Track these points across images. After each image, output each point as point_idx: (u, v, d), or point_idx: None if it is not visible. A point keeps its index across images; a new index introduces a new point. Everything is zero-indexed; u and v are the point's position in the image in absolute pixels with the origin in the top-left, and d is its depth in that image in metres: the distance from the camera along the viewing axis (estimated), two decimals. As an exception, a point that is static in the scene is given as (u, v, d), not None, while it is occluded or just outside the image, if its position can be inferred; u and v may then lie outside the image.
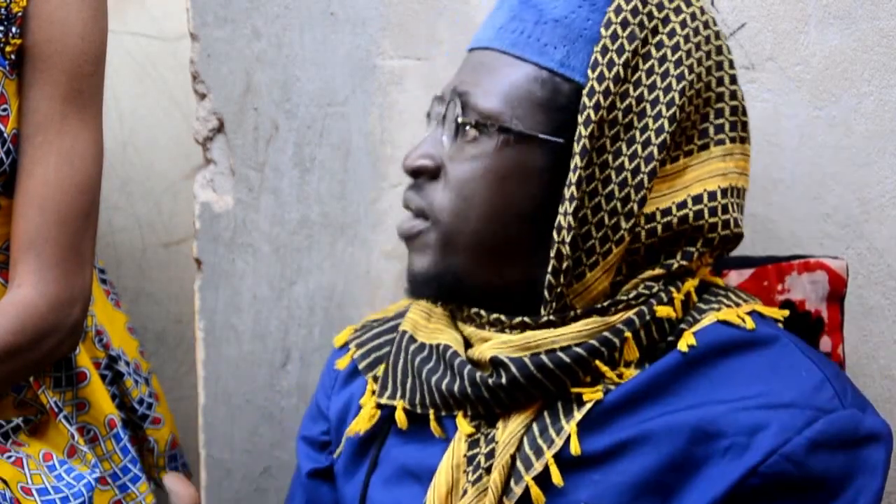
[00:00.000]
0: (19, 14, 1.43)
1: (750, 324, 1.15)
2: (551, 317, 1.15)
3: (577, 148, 1.12)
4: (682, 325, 1.16)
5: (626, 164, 1.13)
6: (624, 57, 1.13)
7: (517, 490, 1.13)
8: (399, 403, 1.24)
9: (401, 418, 1.23)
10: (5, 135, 1.43)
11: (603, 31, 1.13)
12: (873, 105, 1.36)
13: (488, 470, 1.15)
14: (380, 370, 1.29)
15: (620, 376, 1.14)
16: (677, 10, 1.16)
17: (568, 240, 1.12)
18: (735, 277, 1.28)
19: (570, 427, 1.13)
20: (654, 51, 1.14)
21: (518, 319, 1.16)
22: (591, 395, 1.13)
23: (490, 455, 1.16)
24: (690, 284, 1.17)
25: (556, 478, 1.12)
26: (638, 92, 1.13)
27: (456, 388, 1.17)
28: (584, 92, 1.12)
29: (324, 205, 1.66)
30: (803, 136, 1.40)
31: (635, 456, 1.11)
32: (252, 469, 1.73)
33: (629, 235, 1.14)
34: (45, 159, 1.45)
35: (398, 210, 1.26)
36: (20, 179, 1.45)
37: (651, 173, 1.13)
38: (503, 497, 1.14)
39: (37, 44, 1.44)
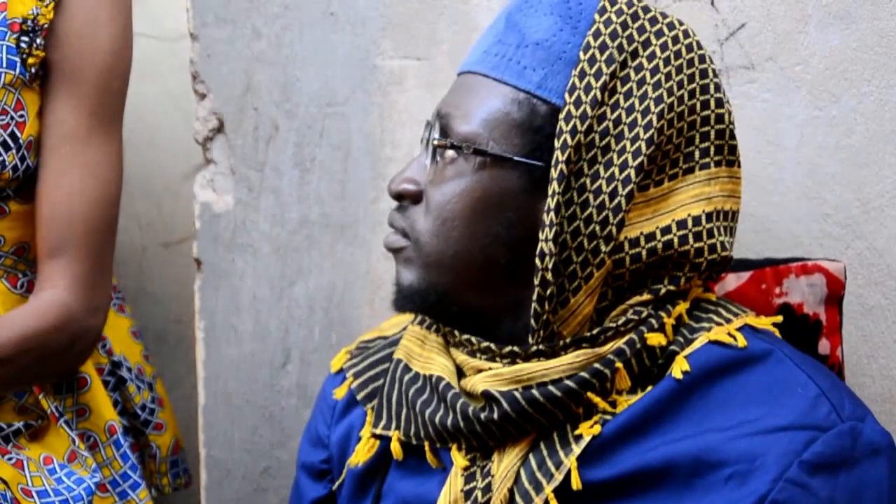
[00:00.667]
0: (45, 26, 1.44)
1: (742, 341, 1.14)
2: (540, 346, 1.15)
3: (554, 173, 1.11)
4: (674, 347, 1.15)
5: (604, 187, 1.12)
6: (601, 80, 1.12)
7: None
8: (394, 434, 1.24)
9: (396, 449, 1.24)
10: (21, 140, 1.44)
11: (581, 54, 1.13)
12: (873, 105, 1.35)
13: None
14: (377, 401, 1.29)
15: (614, 404, 1.14)
16: (658, 34, 1.15)
17: (550, 266, 1.12)
18: (733, 280, 1.28)
19: (569, 461, 1.12)
20: (632, 74, 1.13)
21: (508, 349, 1.16)
22: (589, 430, 1.13)
23: (487, 489, 1.15)
24: (681, 308, 1.17)
25: None
26: (615, 115, 1.13)
27: (449, 422, 1.17)
28: (561, 116, 1.12)
29: (324, 205, 1.66)
30: (803, 136, 1.39)
31: (636, 490, 1.11)
32: (252, 469, 1.73)
33: (609, 259, 1.13)
34: (72, 171, 1.47)
35: (397, 210, 1.26)
36: (46, 189, 1.47)
37: (629, 196, 1.12)
38: None
39: (66, 58, 1.46)
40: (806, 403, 1.10)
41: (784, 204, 1.41)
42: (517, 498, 1.13)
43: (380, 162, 1.64)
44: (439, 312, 1.21)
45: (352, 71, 1.63)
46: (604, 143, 1.12)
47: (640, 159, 1.12)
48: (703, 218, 1.15)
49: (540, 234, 1.12)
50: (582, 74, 1.12)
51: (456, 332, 1.21)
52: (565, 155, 1.11)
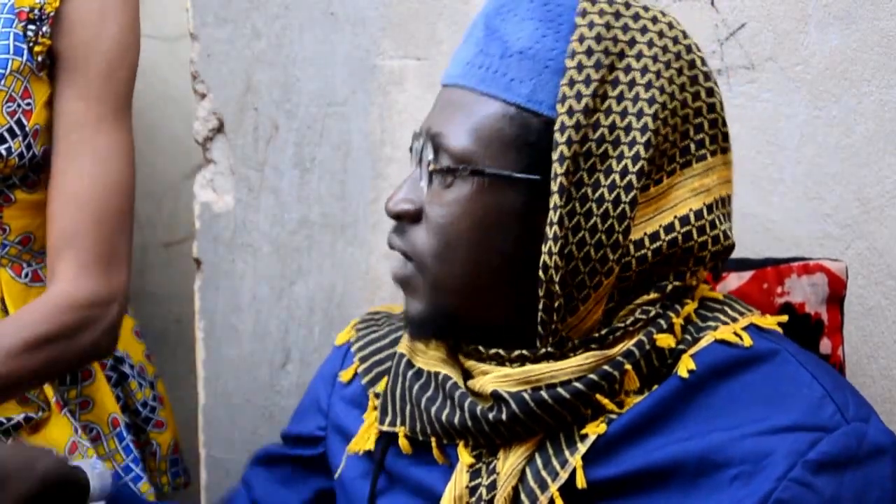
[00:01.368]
0: (51, 14, 1.44)
1: (747, 340, 1.14)
2: (549, 349, 1.14)
3: (554, 186, 1.10)
4: (681, 346, 1.14)
5: (606, 195, 1.11)
6: (591, 87, 1.10)
7: None
8: (400, 430, 1.24)
9: (404, 445, 1.23)
10: (27, 128, 1.45)
11: (568, 61, 1.11)
12: (873, 105, 1.35)
13: (490, 501, 1.15)
14: (380, 386, 1.29)
15: (621, 404, 1.14)
16: (643, 30, 1.13)
17: (557, 278, 1.11)
18: (735, 280, 1.28)
19: (574, 460, 1.12)
20: (621, 76, 1.12)
21: (517, 353, 1.16)
22: (595, 429, 1.13)
23: (492, 486, 1.15)
24: (690, 308, 1.16)
25: None
26: (609, 120, 1.11)
27: (456, 420, 1.17)
28: (555, 128, 1.10)
29: (324, 205, 1.66)
30: (803, 136, 1.39)
31: (642, 490, 1.11)
32: (252, 469, 1.73)
33: (617, 266, 1.13)
34: (81, 159, 1.47)
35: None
36: (55, 178, 1.47)
37: (632, 202, 1.11)
38: None
39: (73, 46, 1.46)
40: (811, 404, 1.10)
41: (784, 204, 1.41)
42: (522, 496, 1.14)
43: (380, 162, 1.64)
44: (453, 333, 1.20)
45: (352, 71, 1.63)
46: (601, 150, 1.11)
47: (640, 164, 1.11)
48: (705, 210, 1.15)
49: (543, 248, 1.11)
50: (571, 83, 1.11)
51: (462, 343, 1.21)
52: (563, 167, 1.10)
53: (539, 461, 1.14)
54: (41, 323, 1.43)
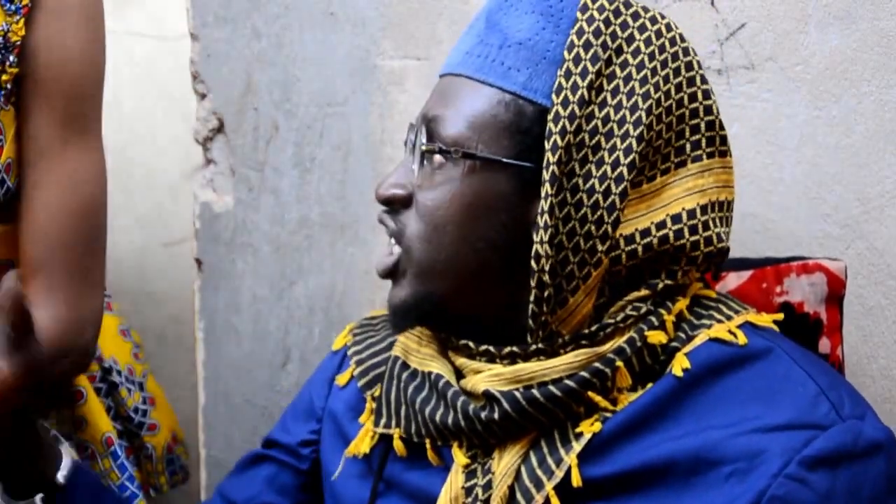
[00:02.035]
0: (17, 43, 1.42)
1: (742, 338, 1.14)
2: (540, 345, 1.15)
3: (546, 175, 1.11)
4: (675, 344, 1.15)
5: (597, 186, 1.12)
6: (587, 79, 1.12)
7: None
8: (395, 432, 1.24)
9: (399, 447, 1.24)
10: None
11: (566, 53, 1.12)
12: (873, 105, 1.36)
13: (487, 501, 1.15)
14: (377, 390, 1.29)
15: (614, 402, 1.14)
16: (642, 28, 1.15)
17: (547, 268, 1.11)
18: (734, 279, 1.28)
19: (569, 459, 1.12)
20: (618, 70, 1.13)
21: (507, 350, 1.16)
22: (590, 427, 1.13)
23: (487, 486, 1.16)
24: (681, 304, 1.16)
25: None
26: (603, 113, 1.12)
27: (450, 420, 1.17)
28: (550, 117, 1.11)
29: (324, 205, 1.66)
30: (803, 136, 1.40)
31: (637, 488, 1.11)
32: (252, 469, 1.73)
33: (606, 258, 1.13)
34: (48, 185, 1.45)
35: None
36: (25, 205, 1.46)
37: (622, 194, 1.12)
38: None
39: (36, 70, 1.43)
40: (805, 402, 1.10)
41: (784, 204, 1.41)
42: (518, 495, 1.14)
43: (380, 162, 1.64)
44: (437, 321, 1.20)
45: (352, 71, 1.63)
46: (594, 142, 1.12)
47: (631, 157, 1.12)
48: (698, 211, 1.15)
49: (534, 237, 1.12)
50: (567, 74, 1.12)
51: (453, 338, 1.21)
52: (556, 156, 1.11)
53: (534, 460, 1.14)
54: None
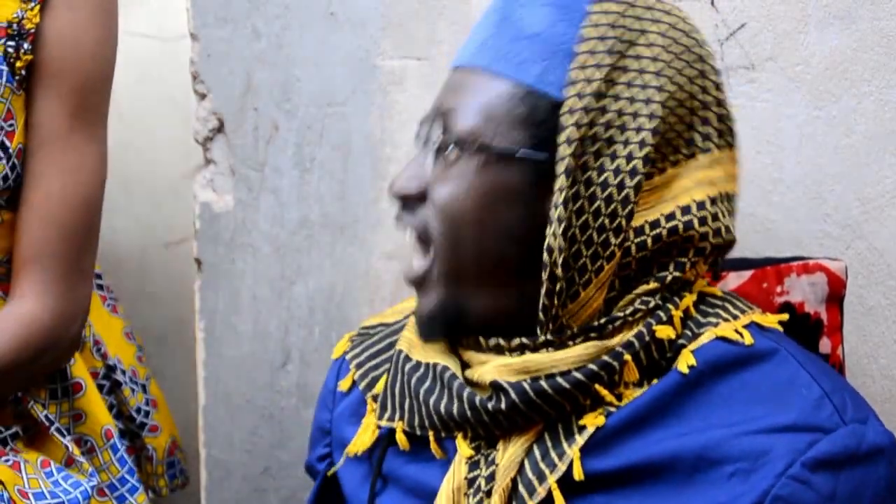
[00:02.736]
0: (32, 30, 1.43)
1: (748, 338, 1.14)
2: (549, 337, 1.15)
3: (560, 168, 1.11)
4: (681, 341, 1.15)
5: (611, 179, 1.12)
6: (602, 72, 1.12)
7: None
8: (398, 425, 1.24)
9: (402, 440, 1.24)
10: (10, 150, 1.43)
11: (579, 46, 1.12)
12: (873, 105, 1.36)
13: (489, 493, 1.15)
14: (378, 387, 1.29)
15: (620, 397, 1.14)
16: (655, 21, 1.15)
17: (560, 261, 1.11)
18: (734, 279, 1.28)
19: (572, 451, 1.12)
20: (632, 63, 1.13)
21: (517, 342, 1.16)
22: (594, 420, 1.13)
23: (490, 478, 1.15)
24: (689, 300, 1.16)
25: (560, 502, 1.12)
26: (618, 106, 1.12)
27: (455, 410, 1.17)
28: (564, 110, 1.11)
29: (324, 205, 1.66)
30: (803, 136, 1.40)
31: (640, 483, 1.11)
32: (252, 469, 1.73)
33: (619, 251, 1.13)
34: (50, 174, 1.45)
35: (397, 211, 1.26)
36: (24, 193, 1.46)
37: (636, 187, 1.12)
38: None
39: (47, 60, 1.44)
40: (809, 404, 1.10)
41: (784, 204, 1.42)
42: (520, 487, 1.14)
43: (380, 162, 1.64)
44: (460, 327, 1.20)
45: (352, 71, 1.63)
46: (608, 135, 1.12)
47: (645, 150, 1.12)
48: (707, 202, 1.15)
49: (547, 229, 1.12)
50: (581, 67, 1.12)
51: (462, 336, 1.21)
52: (570, 149, 1.11)
53: (538, 453, 1.14)
54: (6, 347, 1.41)
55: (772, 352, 1.14)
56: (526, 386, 1.13)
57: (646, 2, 1.16)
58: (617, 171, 1.12)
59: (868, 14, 1.34)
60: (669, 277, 1.15)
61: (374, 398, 1.29)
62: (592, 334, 1.14)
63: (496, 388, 1.15)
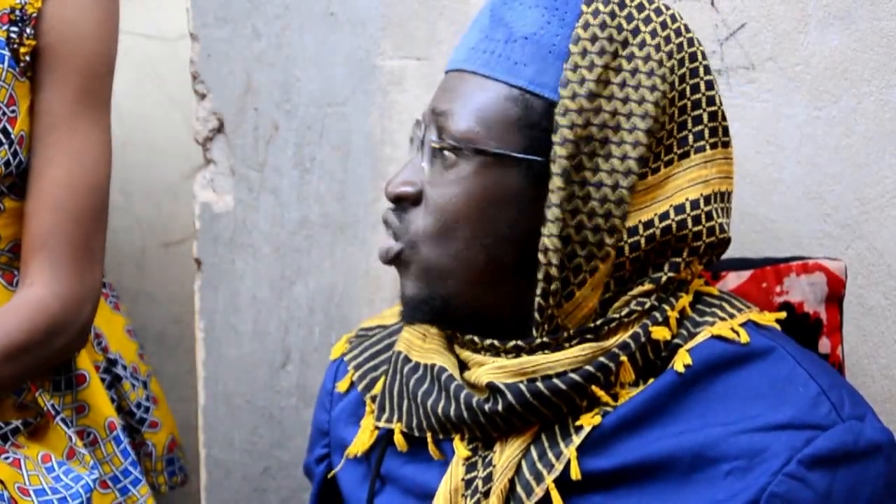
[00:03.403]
0: (34, 15, 1.43)
1: (744, 337, 1.14)
2: (544, 338, 1.15)
3: (554, 168, 1.11)
4: (677, 341, 1.15)
5: (605, 179, 1.12)
6: (595, 72, 1.12)
7: None
8: (397, 426, 1.24)
9: (399, 441, 1.24)
10: (12, 136, 1.43)
11: (572, 46, 1.13)
12: (873, 105, 1.36)
13: (486, 494, 1.15)
14: (377, 388, 1.29)
15: (616, 397, 1.14)
16: (647, 21, 1.15)
17: (555, 261, 1.12)
18: (734, 279, 1.28)
19: (569, 452, 1.13)
20: (624, 63, 1.13)
21: (512, 343, 1.16)
22: (590, 420, 1.13)
23: (488, 479, 1.16)
24: (685, 301, 1.17)
25: (557, 502, 1.12)
26: (611, 106, 1.12)
27: (452, 412, 1.18)
28: (557, 111, 1.12)
29: (324, 205, 1.66)
30: (803, 136, 1.40)
31: (637, 482, 1.11)
32: (252, 469, 1.73)
33: (614, 251, 1.13)
34: (58, 159, 1.45)
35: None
36: (32, 179, 1.46)
37: (630, 188, 1.12)
38: None
39: (51, 44, 1.45)
40: (806, 402, 1.10)
41: (784, 204, 1.41)
42: (518, 488, 1.14)
43: (380, 162, 1.64)
44: (448, 319, 1.20)
45: (352, 71, 1.63)
46: (601, 135, 1.12)
47: (639, 150, 1.12)
48: (702, 201, 1.15)
49: (542, 230, 1.12)
50: (574, 67, 1.12)
51: (458, 334, 1.21)
52: (565, 150, 1.11)
53: (534, 453, 1.15)
54: (16, 331, 1.41)
55: (768, 350, 1.14)
56: (522, 387, 1.13)
57: (637, 1, 1.16)
58: (611, 172, 1.12)
59: (868, 14, 1.34)
60: (664, 278, 1.15)
61: (373, 399, 1.29)
62: (588, 336, 1.14)
63: (493, 389, 1.15)
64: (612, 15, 1.14)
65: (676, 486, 1.10)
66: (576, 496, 1.13)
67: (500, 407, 1.14)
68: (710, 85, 1.17)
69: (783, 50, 1.39)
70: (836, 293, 1.24)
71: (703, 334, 1.15)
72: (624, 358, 1.13)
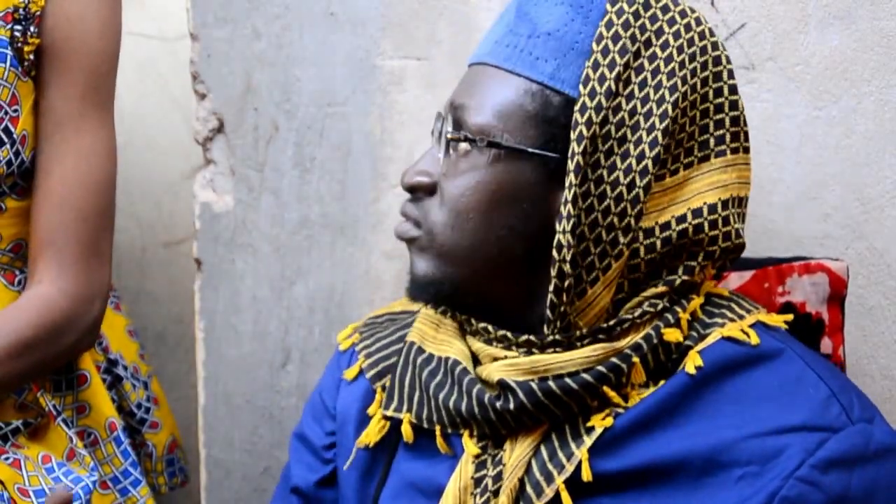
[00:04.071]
0: (38, 14, 1.43)
1: (754, 338, 1.14)
2: (556, 336, 1.15)
3: (571, 165, 1.11)
4: (688, 342, 1.15)
5: (622, 178, 1.12)
6: (615, 71, 1.12)
7: None
8: (405, 417, 1.24)
9: (407, 432, 1.24)
10: (15, 136, 1.43)
11: (594, 45, 1.13)
12: (873, 105, 1.36)
13: (496, 493, 1.15)
14: (387, 380, 1.29)
15: (626, 398, 1.14)
16: (671, 22, 1.15)
17: (568, 258, 1.12)
18: (735, 279, 1.28)
19: (580, 453, 1.13)
20: (646, 63, 1.13)
21: (524, 338, 1.16)
22: (602, 422, 1.13)
23: (497, 478, 1.16)
24: (696, 303, 1.17)
25: (568, 503, 1.12)
26: (630, 105, 1.12)
27: (463, 406, 1.17)
28: (576, 108, 1.12)
29: (324, 205, 1.66)
30: (803, 136, 1.40)
31: (648, 484, 1.11)
32: (252, 469, 1.73)
33: (628, 250, 1.13)
34: (64, 157, 1.46)
35: (398, 210, 1.27)
36: (39, 178, 1.47)
37: (646, 187, 1.12)
38: None
39: (55, 42, 1.45)
40: (817, 404, 1.10)
41: (784, 204, 1.42)
42: (528, 488, 1.14)
43: (380, 162, 1.64)
44: (454, 303, 1.20)
45: (352, 71, 1.63)
46: (619, 134, 1.12)
47: (656, 150, 1.12)
48: (719, 206, 1.15)
49: (557, 226, 1.12)
50: (595, 65, 1.12)
51: (472, 321, 1.21)
52: (581, 147, 1.11)
53: (545, 453, 1.14)
54: (24, 328, 1.42)
55: (778, 351, 1.14)
56: (534, 386, 1.14)
57: (663, 2, 1.16)
58: (628, 171, 1.12)
59: (868, 14, 1.34)
60: (678, 281, 1.15)
61: (383, 388, 1.28)
62: (601, 336, 1.14)
63: (504, 387, 1.15)
64: (637, 15, 1.14)
65: (687, 490, 1.10)
66: (585, 497, 1.12)
67: (511, 405, 1.14)
68: (733, 89, 1.17)
69: (783, 50, 1.39)
70: (838, 293, 1.24)
71: (714, 336, 1.15)
72: (636, 359, 1.13)
